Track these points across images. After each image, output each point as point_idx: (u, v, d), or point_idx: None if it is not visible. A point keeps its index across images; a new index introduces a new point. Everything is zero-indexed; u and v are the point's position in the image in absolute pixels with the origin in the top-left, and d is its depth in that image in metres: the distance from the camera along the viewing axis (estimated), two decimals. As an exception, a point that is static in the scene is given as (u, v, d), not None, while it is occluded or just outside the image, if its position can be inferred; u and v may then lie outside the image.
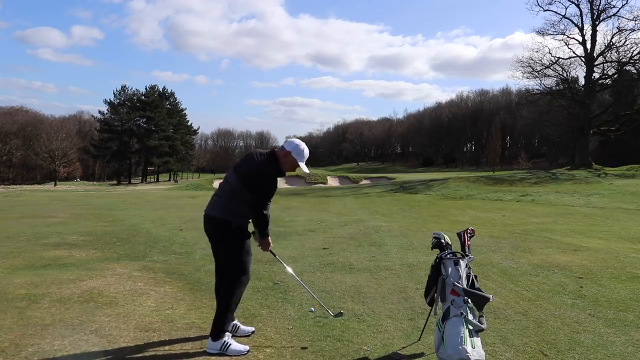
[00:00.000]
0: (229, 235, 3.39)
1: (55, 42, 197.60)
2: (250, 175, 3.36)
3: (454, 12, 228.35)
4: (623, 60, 36.06)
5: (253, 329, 3.75)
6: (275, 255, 3.94)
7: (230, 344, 3.33)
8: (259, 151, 3.55)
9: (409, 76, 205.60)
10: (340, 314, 4.02)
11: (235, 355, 3.28)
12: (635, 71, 38.09)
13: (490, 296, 3.13)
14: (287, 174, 3.71)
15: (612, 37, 35.48)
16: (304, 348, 3.44)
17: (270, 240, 3.66)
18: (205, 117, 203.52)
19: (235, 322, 3.66)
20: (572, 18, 37.59)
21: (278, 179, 3.48)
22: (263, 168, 3.37)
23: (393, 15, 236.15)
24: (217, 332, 3.33)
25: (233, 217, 3.37)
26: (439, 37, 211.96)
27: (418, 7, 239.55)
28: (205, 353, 3.32)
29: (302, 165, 3.48)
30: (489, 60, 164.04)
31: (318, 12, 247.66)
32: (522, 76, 39.06)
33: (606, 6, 35.73)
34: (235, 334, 3.57)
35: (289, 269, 4.04)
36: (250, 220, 3.51)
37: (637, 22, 34.06)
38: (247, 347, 3.37)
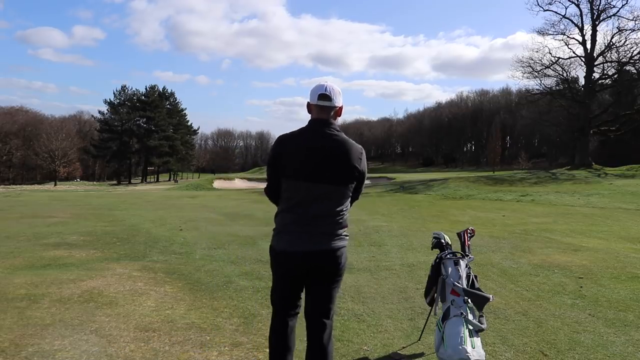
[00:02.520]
0: (344, 266, 2.54)
1: (56, 42, 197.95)
2: (349, 168, 2.44)
3: (456, 12, 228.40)
4: (623, 60, 36.06)
5: None
6: None
7: None
8: (302, 132, 2.47)
9: (409, 76, 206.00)
10: None
11: None
12: (635, 71, 38.09)
13: (490, 296, 3.13)
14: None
15: (612, 37, 35.51)
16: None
17: None
18: (206, 117, 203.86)
19: None
20: (572, 18, 37.61)
21: None
22: (359, 148, 2.51)
23: (395, 16, 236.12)
24: None
25: (346, 237, 2.54)
26: (441, 37, 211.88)
27: (420, 7, 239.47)
28: (204, 352, 3.32)
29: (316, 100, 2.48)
30: (490, 61, 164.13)
31: (320, 13, 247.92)
32: (522, 76, 39.09)
33: (606, 6, 35.75)
34: None
35: None
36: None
37: (637, 22, 34.07)
38: None
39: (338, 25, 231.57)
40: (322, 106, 2.45)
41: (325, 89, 2.45)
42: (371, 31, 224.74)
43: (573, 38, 37.38)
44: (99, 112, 71.04)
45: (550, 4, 37.41)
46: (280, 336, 2.64)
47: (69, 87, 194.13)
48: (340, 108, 2.51)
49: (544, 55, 37.69)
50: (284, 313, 2.65)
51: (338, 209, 2.45)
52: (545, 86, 39.42)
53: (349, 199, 2.52)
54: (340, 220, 2.48)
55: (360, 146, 2.52)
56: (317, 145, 2.40)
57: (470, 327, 2.93)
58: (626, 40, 34.97)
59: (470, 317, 2.99)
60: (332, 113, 2.47)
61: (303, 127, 2.50)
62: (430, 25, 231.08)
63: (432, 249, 3.57)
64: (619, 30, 35.03)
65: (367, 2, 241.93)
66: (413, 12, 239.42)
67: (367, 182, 2.70)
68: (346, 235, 2.53)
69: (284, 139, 2.52)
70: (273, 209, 2.70)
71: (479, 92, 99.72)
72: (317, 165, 2.39)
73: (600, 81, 38.49)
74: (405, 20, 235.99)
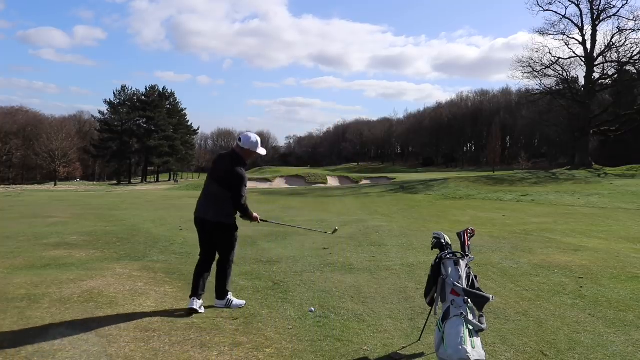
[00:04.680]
0: (228, 232, 4.34)
1: (57, 42, 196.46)
2: (227, 179, 4.23)
3: (458, 12, 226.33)
4: (623, 60, 36.08)
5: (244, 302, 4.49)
6: (267, 221, 4.77)
7: (232, 300, 4.39)
8: (223, 154, 4.51)
9: (410, 76, 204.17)
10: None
11: (238, 307, 4.33)
12: (635, 71, 38.11)
13: (491, 296, 3.13)
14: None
15: (612, 37, 35.53)
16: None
17: (255, 215, 4.45)
18: (207, 118, 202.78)
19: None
20: (572, 18, 37.66)
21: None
22: (231, 165, 4.23)
23: (397, 16, 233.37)
24: (223, 293, 4.35)
25: (227, 219, 4.28)
26: (442, 37, 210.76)
27: (423, 7, 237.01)
28: (204, 352, 3.32)
29: (260, 150, 4.41)
30: (491, 61, 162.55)
31: (321, 13, 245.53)
32: (522, 76, 39.16)
33: (606, 6, 35.78)
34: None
35: (278, 221, 5.22)
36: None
37: (637, 22, 34.12)
38: (244, 302, 4.44)
39: (339, 26, 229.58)
40: (237, 144, 4.35)
41: (240, 139, 4.34)
42: (373, 31, 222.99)
43: (573, 38, 37.43)
44: (99, 112, 70.87)
45: (550, 4, 37.50)
46: (198, 268, 4.37)
47: (70, 87, 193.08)
48: (241, 149, 4.30)
49: (544, 55, 37.77)
50: (201, 254, 4.43)
51: (221, 197, 4.24)
52: (545, 86, 39.47)
53: (227, 196, 4.22)
54: (222, 206, 4.24)
55: (233, 171, 4.19)
56: (222, 163, 4.34)
57: (470, 327, 2.93)
58: (626, 40, 35.03)
59: (470, 317, 2.99)
60: (240, 149, 4.31)
61: (227, 151, 4.48)
62: (432, 25, 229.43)
63: (432, 249, 3.57)
64: (619, 30, 35.08)
65: (369, 2, 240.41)
66: (415, 13, 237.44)
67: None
68: (228, 216, 4.26)
69: (218, 154, 4.65)
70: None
71: (479, 92, 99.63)
72: (218, 173, 4.31)
73: (600, 81, 38.49)
74: (407, 21, 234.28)
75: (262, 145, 4.45)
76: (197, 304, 4.18)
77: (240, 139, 4.31)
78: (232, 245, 4.39)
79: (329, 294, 4.88)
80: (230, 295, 4.40)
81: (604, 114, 40.19)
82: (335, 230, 4.59)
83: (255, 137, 4.32)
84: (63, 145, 61.74)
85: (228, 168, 4.22)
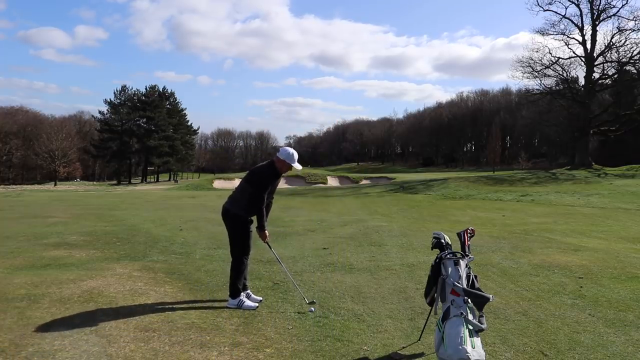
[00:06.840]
0: (235, 222, 4.48)
1: (58, 42, 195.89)
2: (251, 173, 4.56)
3: (460, 12, 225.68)
4: (623, 60, 36.07)
5: (261, 298, 4.61)
6: (270, 248, 4.76)
7: (244, 302, 4.40)
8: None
9: (411, 76, 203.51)
10: (313, 303, 4.46)
11: (248, 310, 4.30)
12: (635, 71, 38.09)
13: (490, 296, 3.13)
14: (288, 173, 4.56)
15: (612, 37, 35.53)
16: (311, 303, 4.40)
17: (267, 234, 4.53)
18: (207, 118, 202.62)
19: (248, 291, 4.60)
20: (572, 18, 37.66)
21: (279, 180, 4.54)
22: (260, 167, 4.57)
23: (399, 16, 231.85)
24: (233, 293, 4.42)
25: (238, 210, 4.47)
26: (444, 37, 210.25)
27: (425, 7, 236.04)
28: (204, 352, 3.32)
29: (295, 165, 4.48)
30: (492, 61, 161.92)
31: (323, 13, 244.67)
32: (522, 76, 39.16)
33: (606, 6, 35.78)
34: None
35: (283, 265, 5.10)
36: (253, 218, 4.49)
37: (637, 22, 34.12)
38: (257, 304, 4.41)
39: (341, 26, 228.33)
40: (276, 155, 4.57)
41: (279, 150, 4.57)
42: (374, 32, 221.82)
43: (573, 38, 37.43)
44: (99, 112, 70.91)
45: (550, 4, 37.51)
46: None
47: (71, 87, 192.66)
48: (277, 159, 4.51)
49: (544, 55, 37.77)
50: None
51: (241, 191, 4.53)
52: (545, 86, 39.46)
53: (247, 192, 4.45)
54: (240, 198, 4.49)
55: (258, 167, 4.59)
56: (257, 166, 4.69)
57: (470, 327, 2.93)
58: (626, 40, 35.03)
59: (470, 317, 2.99)
60: (277, 159, 4.50)
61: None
62: (434, 25, 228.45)
63: (432, 249, 3.57)
64: (619, 30, 35.07)
65: (371, 2, 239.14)
66: (417, 13, 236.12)
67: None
68: (240, 208, 4.45)
69: None
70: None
71: (479, 92, 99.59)
72: (249, 173, 4.58)
73: (600, 81, 38.48)
74: (409, 21, 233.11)
75: (287, 156, 4.45)
76: (243, 295, 4.48)
77: (279, 150, 4.57)
78: (234, 239, 4.46)
79: (329, 294, 4.88)
80: (243, 296, 4.44)
81: (604, 114, 40.20)
82: (312, 302, 4.46)
83: (292, 151, 4.51)
84: (63, 145, 61.73)
85: (258, 165, 4.63)
